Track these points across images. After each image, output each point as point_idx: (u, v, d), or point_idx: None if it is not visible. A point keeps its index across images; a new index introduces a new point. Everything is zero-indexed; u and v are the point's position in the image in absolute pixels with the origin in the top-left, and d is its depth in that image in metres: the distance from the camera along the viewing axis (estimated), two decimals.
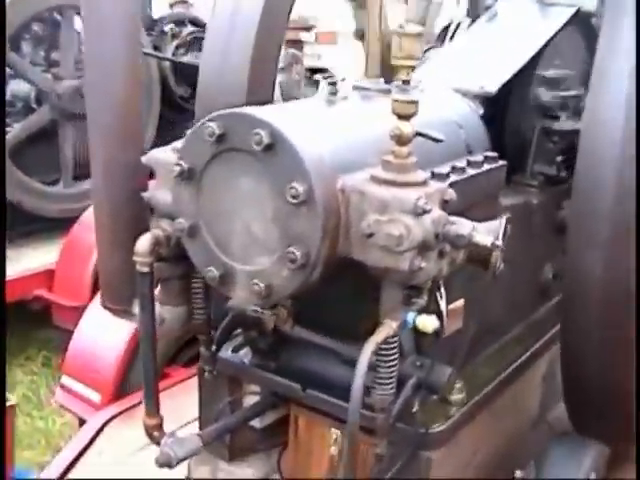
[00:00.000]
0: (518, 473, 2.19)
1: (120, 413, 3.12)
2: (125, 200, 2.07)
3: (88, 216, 4.80)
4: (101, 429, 3.05)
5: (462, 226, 1.60)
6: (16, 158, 5.33)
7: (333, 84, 1.89)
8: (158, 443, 2.03)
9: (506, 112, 2.43)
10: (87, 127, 2.07)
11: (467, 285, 1.94)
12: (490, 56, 2.44)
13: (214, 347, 2.14)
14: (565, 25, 2.52)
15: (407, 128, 1.58)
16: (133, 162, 2.02)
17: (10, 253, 5.14)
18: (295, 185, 1.55)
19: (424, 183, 1.61)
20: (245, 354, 2.18)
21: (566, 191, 2.46)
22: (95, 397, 3.30)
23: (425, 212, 1.54)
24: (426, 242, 1.56)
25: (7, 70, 5.39)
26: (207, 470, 2.34)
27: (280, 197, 1.59)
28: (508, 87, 2.35)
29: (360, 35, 6.45)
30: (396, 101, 1.59)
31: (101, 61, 2.01)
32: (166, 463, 1.97)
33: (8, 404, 1.37)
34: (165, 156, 1.87)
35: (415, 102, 1.59)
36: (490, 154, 2.07)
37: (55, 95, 5.46)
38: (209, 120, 1.66)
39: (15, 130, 5.42)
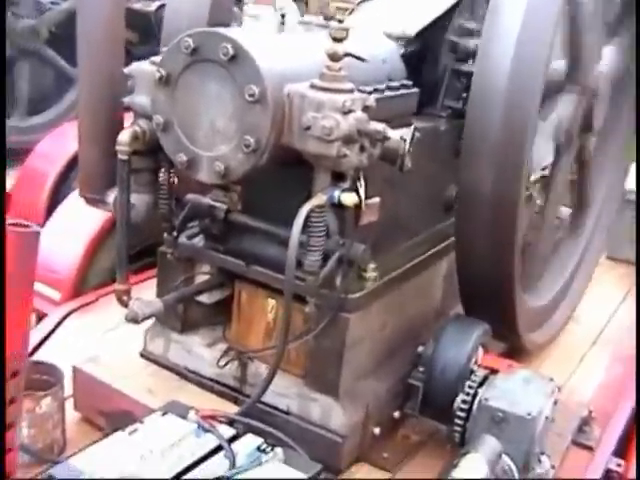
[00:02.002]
0: (420, 349, 2.68)
1: (80, 307, 3.53)
2: (105, 103, 2.47)
3: (42, 147, 5.19)
4: (62, 321, 3.46)
5: (378, 125, 2.09)
6: None
7: (283, 16, 2.35)
8: (126, 305, 2.48)
9: (424, 53, 2.89)
10: (76, 41, 2.45)
11: (382, 186, 2.41)
12: (413, 5, 2.91)
13: (175, 233, 2.60)
14: None
15: (339, 48, 2.06)
16: (115, 71, 2.43)
17: None
18: (252, 87, 2.02)
19: (351, 91, 2.09)
20: (198, 240, 2.64)
21: None
22: (55, 295, 3.71)
23: (351, 111, 2.03)
24: (350, 135, 2.04)
25: None
26: (162, 341, 2.79)
27: (240, 97, 2.06)
28: (427, 33, 2.82)
29: None
30: (333, 27, 2.06)
31: None
32: (134, 319, 2.42)
33: (33, 229, 1.74)
34: (145, 67, 2.32)
35: (347, 29, 2.06)
36: (406, 82, 2.56)
37: (13, 33, 5.81)
38: (185, 36, 2.11)
39: None
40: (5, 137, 5.11)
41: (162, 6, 5.95)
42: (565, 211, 3.44)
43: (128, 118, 2.45)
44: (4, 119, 5.24)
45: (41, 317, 3.59)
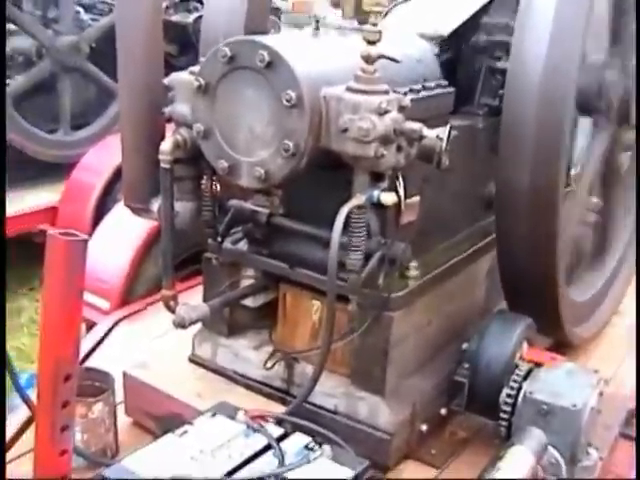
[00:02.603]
0: (465, 345, 2.69)
1: (129, 315, 3.60)
2: (146, 114, 2.52)
3: (88, 160, 5.30)
4: (111, 329, 3.53)
5: (415, 124, 2.12)
6: (19, 107, 5.83)
7: (317, 21, 2.39)
8: (173, 311, 2.53)
9: (459, 52, 2.91)
10: (117, 53, 2.48)
11: (421, 185, 2.44)
12: (447, 5, 2.93)
13: (219, 238, 2.66)
14: None
15: (373, 50, 2.09)
16: (154, 82, 2.48)
17: (14, 194, 5.68)
18: (289, 92, 2.06)
19: (386, 92, 2.12)
20: (242, 245, 2.69)
21: None
22: (104, 304, 3.78)
23: (386, 112, 2.07)
24: (387, 135, 2.07)
25: (9, 26, 5.89)
26: (209, 345, 2.85)
27: (277, 102, 2.10)
28: (461, 31, 2.84)
29: (335, 3, 6.84)
30: (366, 30, 2.09)
31: None
32: (181, 324, 2.47)
33: (81, 237, 1.79)
34: (185, 77, 2.37)
35: (380, 31, 2.09)
36: (441, 82, 2.59)
37: (55, 49, 5.94)
38: (222, 45, 2.16)
39: (17, 82, 5.90)
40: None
41: (200, 17, 6.05)
42: (596, 203, 3.43)
43: (170, 130, 2.51)
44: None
45: (90, 326, 3.67)
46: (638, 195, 3.37)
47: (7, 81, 5.86)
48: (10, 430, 2.76)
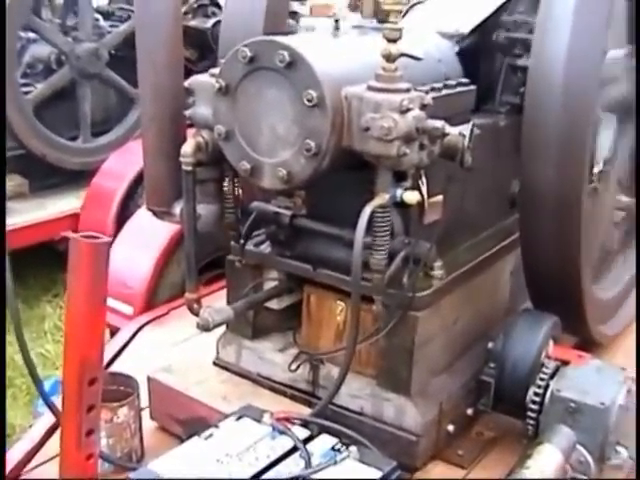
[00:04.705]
0: (490, 345, 2.67)
1: (152, 320, 3.60)
2: (168, 118, 2.51)
3: (109, 165, 5.32)
4: (135, 334, 3.53)
5: (437, 122, 2.11)
6: (39, 114, 5.87)
7: (337, 21, 2.38)
8: (197, 314, 2.53)
9: (479, 50, 2.89)
10: (137, 58, 2.47)
11: (445, 184, 2.43)
12: (466, 4, 2.92)
13: (242, 241, 2.65)
14: None
15: (394, 48, 2.08)
16: (176, 86, 2.48)
17: (36, 201, 5.73)
18: (310, 92, 2.06)
19: (408, 90, 2.11)
20: (265, 247, 2.69)
21: None
22: (128, 310, 3.78)
23: (408, 110, 2.05)
24: (409, 133, 2.06)
25: (29, 34, 5.95)
26: (233, 348, 2.84)
27: (298, 102, 2.09)
28: (481, 29, 2.83)
29: (354, 6, 6.84)
30: (386, 28, 2.08)
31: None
32: (205, 326, 2.46)
33: (104, 240, 1.78)
34: (205, 79, 2.37)
35: (400, 29, 2.08)
36: (463, 80, 2.57)
37: (75, 56, 5.97)
38: (242, 46, 2.15)
39: (38, 89, 5.94)
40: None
41: (218, 23, 6.07)
42: (626, 200, 3.40)
43: (191, 134, 2.50)
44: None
45: (114, 332, 3.67)
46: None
47: (28, 89, 5.91)
48: (35, 436, 2.78)
